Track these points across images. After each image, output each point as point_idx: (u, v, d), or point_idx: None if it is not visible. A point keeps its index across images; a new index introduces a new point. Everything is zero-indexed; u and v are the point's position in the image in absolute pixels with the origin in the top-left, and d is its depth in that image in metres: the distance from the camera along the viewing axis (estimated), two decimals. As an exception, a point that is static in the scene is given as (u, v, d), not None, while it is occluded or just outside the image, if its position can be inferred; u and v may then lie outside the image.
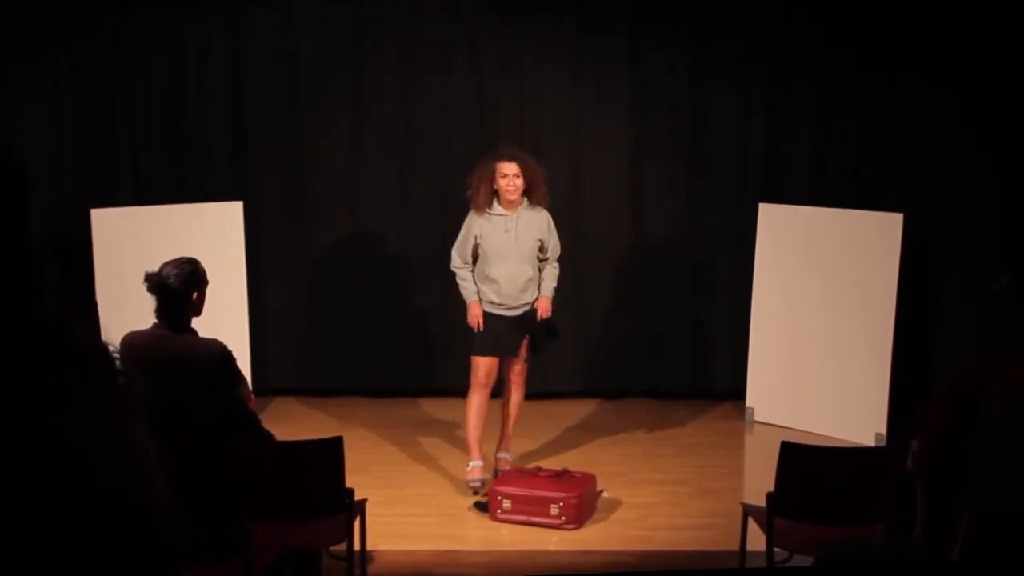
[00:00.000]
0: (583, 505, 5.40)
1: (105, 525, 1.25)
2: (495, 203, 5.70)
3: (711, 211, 7.47)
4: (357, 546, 4.38)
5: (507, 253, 5.69)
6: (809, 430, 6.70)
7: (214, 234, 6.69)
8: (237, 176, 7.44)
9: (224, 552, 3.65)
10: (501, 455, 5.97)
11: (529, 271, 5.75)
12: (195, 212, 6.86)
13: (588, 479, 5.58)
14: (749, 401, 7.19)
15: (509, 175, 5.63)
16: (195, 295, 4.10)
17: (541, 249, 5.80)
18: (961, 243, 6.93)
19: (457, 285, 5.84)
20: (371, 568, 4.69)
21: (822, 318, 6.84)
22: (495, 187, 5.67)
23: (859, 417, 6.64)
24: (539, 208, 5.76)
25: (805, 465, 4.17)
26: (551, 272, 5.87)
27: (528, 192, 5.72)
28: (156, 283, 4.02)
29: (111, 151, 7.39)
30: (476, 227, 5.72)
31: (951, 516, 2.80)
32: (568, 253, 7.50)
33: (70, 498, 1.23)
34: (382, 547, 4.95)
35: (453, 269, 5.84)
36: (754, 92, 7.36)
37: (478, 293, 5.76)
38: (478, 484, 5.74)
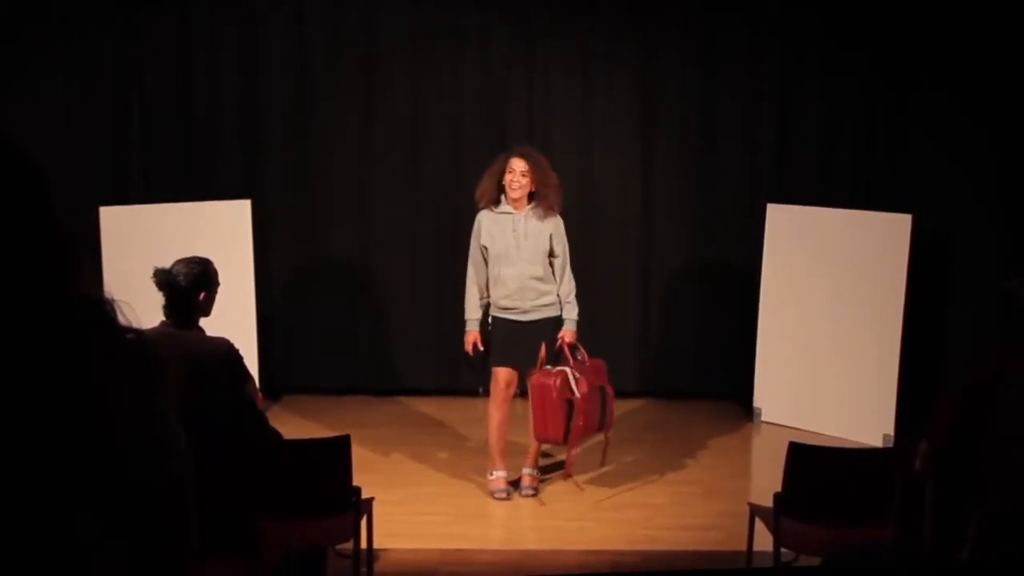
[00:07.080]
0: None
1: (136, 497, 1.30)
2: (502, 200, 5.57)
3: (720, 210, 7.47)
4: (364, 544, 4.38)
5: (515, 256, 5.54)
6: (817, 431, 6.70)
7: (223, 232, 6.70)
8: (246, 174, 7.45)
9: (231, 550, 3.65)
10: (527, 471, 5.84)
11: (539, 271, 5.55)
12: (204, 210, 6.86)
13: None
14: (757, 401, 7.18)
15: (516, 171, 5.49)
16: (202, 295, 4.07)
17: (552, 253, 5.59)
18: (971, 244, 6.91)
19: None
20: (378, 566, 4.69)
21: (830, 319, 6.83)
22: (503, 182, 5.54)
23: (867, 418, 6.63)
24: (550, 215, 5.57)
25: (813, 466, 4.16)
26: (568, 288, 5.64)
27: (537, 196, 5.54)
28: (164, 279, 4.01)
29: (120, 149, 7.41)
30: (484, 233, 5.58)
31: (960, 516, 2.79)
32: (577, 251, 7.50)
33: (102, 469, 1.27)
34: (389, 545, 4.96)
35: (467, 282, 5.73)
36: (764, 92, 7.37)
37: (488, 307, 5.67)
38: (504, 495, 5.71)
